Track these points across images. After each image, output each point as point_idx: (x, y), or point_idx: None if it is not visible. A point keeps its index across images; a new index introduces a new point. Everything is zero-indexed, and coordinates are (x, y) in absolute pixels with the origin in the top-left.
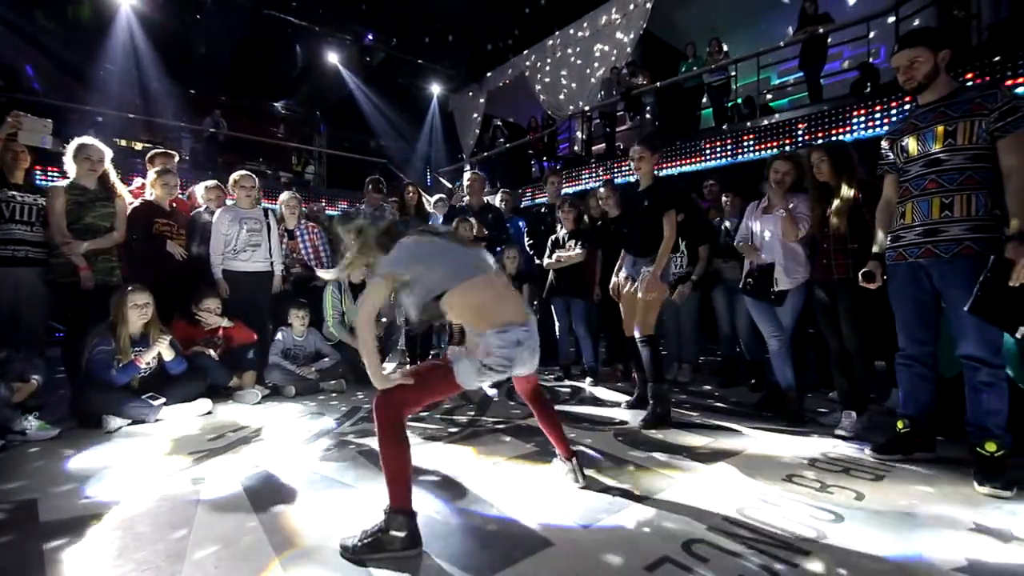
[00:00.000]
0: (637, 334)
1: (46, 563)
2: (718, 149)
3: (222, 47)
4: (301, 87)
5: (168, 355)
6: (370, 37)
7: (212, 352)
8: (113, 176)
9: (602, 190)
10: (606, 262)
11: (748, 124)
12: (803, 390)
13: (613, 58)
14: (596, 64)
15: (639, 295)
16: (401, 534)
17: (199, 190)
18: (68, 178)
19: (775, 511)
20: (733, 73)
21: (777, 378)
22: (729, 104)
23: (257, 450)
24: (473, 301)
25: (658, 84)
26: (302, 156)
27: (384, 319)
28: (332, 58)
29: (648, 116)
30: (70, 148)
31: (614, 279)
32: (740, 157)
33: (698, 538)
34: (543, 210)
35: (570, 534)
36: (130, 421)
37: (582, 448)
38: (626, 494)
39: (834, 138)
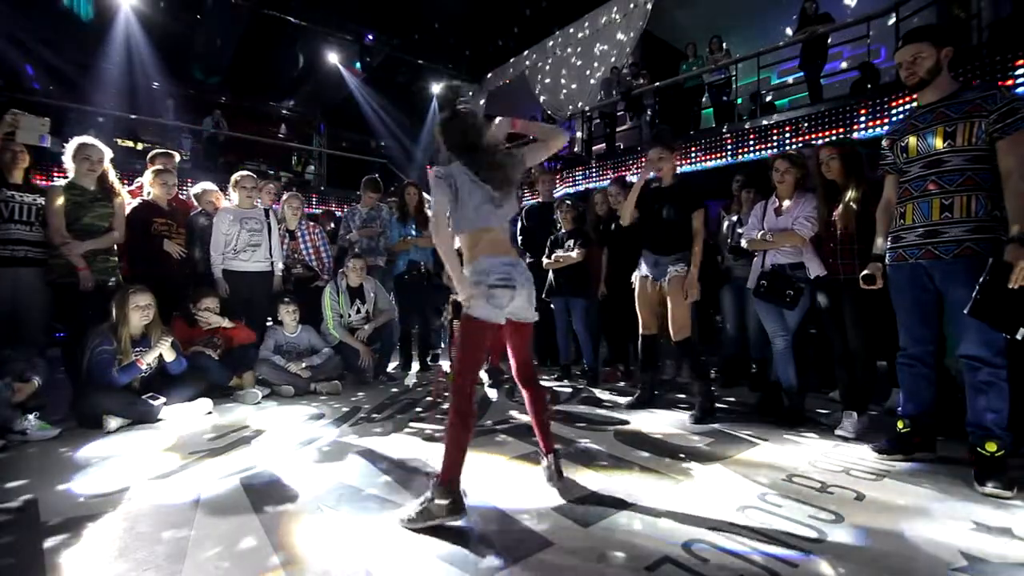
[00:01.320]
0: (675, 336)
1: (46, 563)
2: (728, 147)
3: (222, 47)
4: (301, 87)
5: (169, 356)
6: (370, 37)
7: (212, 352)
8: (112, 176)
9: (612, 188)
10: (612, 261)
11: (763, 122)
12: (804, 390)
13: (613, 58)
14: (596, 64)
15: (686, 298)
16: (446, 501)
17: (194, 192)
18: (67, 177)
19: (775, 511)
20: (733, 73)
21: (779, 378)
22: (735, 101)
23: (257, 450)
24: (475, 241)
25: (657, 84)
26: (302, 156)
27: (383, 317)
28: (332, 58)
29: (648, 116)
30: (69, 148)
31: (634, 277)
32: (744, 157)
33: (698, 538)
34: (533, 207)
35: (570, 534)
36: (130, 421)
37: (585, 446)
38: (626, 494)
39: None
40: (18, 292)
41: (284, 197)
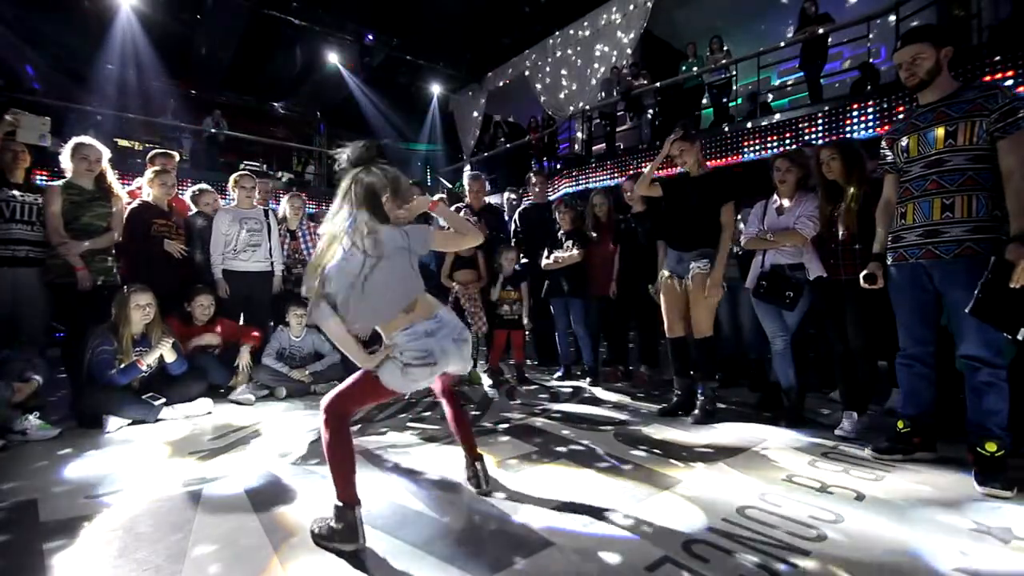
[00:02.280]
0: (697, 335)
1: (46, 563)
2: (721, 149)
3: (222, 47)
4: (301, 87)
5: (170, 357)
6: (370, 37)
7: (212, 339)
8: (110, 176)
9: (626, 183)
10: (625, 259)
11: (763, 123)
12: (803, 390)
13: (613, 58)
14: (596, 64)
15: (707, 297)
16: (339, 526)
17: (190, 194)
18: (65, 177)
19: (775, 511)
20: (734, 73)
21: (779, 378)
22: (732, 104)
23: (257, 450)
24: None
25: (658, 84)
26: (302, 156)
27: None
28: (332, 58)
29: (649, 116)
30: (67, 147)
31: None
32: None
33: (698, 538)
34: (528, 208)
35: (570, 534)
36: (130, 421)
37: (585, 446)
38: (626, 494)
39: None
40: (19, 292)
41: (286, 197)
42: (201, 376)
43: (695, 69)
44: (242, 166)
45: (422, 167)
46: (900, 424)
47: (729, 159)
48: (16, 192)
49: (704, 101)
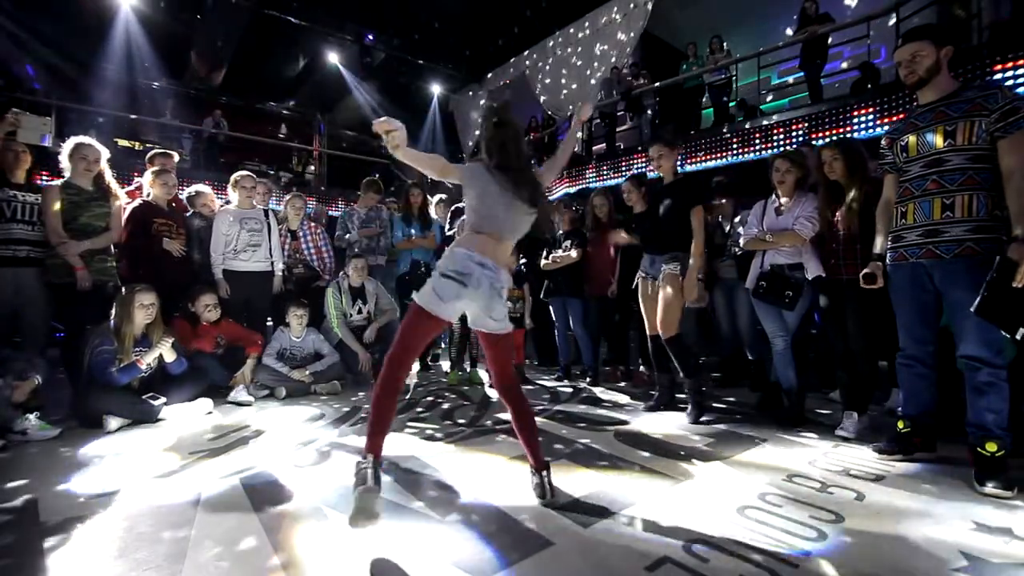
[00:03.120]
0: (662, 335)
1: (47, 562)
2: (719, 149)
3: (223, 47)
4: (301, 87)
5: (169, 356)
6: (370, 37)
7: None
8: (109, 176)
9: (625, 184)
10: (626, 259)
11: (763, 123)
12: (804, 390)
13: (613, 58)
14: (596, 64)
15: (687, 300)
16: (355, 472)
17: (187, 194)
18: (64, 177)
19: (775, 511)
20: (733, 74)
21: (779, 378)
22: (731, 104)
23: (257, 450)
24: (468, 236)
25: (657, 84)
26: (302, 156)
27: (385, 317)
28: (332, 58)
29: (649, 115)
30: (66, 147)
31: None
32: (736, 158)
33: (698, 538)
34: None
35: (570, 534)
36: (131, 421)
37: (585, 446)
38: (626, 494)
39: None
40: (20, 292)
41: (286, 197)
42: (201, 376)
43: (695, 69)
44: (241, 167)
45: None
46: (900, 424)
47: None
48: (17, 192)
49: (704, 100)
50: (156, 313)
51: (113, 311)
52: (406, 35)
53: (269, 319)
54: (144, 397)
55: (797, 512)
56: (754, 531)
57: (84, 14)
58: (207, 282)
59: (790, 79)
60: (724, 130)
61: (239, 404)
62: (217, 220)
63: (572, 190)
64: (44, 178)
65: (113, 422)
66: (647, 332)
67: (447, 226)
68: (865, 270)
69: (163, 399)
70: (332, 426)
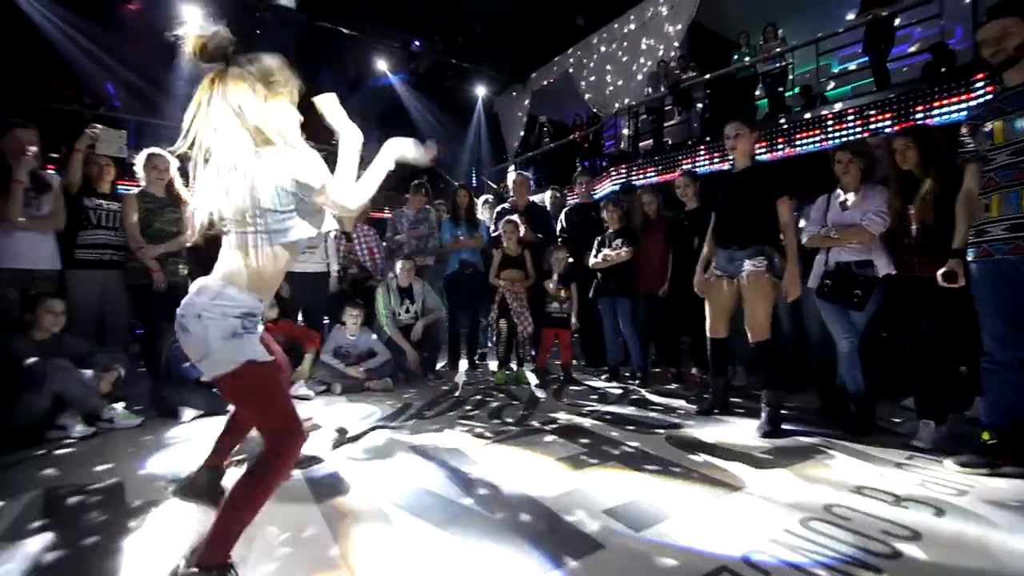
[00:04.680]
0: (752, 339)
1: (133, 541)
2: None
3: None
4: (351, 94)
5: None
6: (417, 44)
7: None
8: (179, 183)
9: (680, 180)
10: (677, 258)
11: (823, 112)
12: (872, 396)
13: (660, 52)
14: (642, 59)
15: (786, 297)
16: None
17: None
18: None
19: (843, 524)
20: (790, 61)
21: (845, 382)
22: (788, 94)
23: (317, 442)
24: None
25: (707, 76)
26: None
27: (432, 316)
28: (381, 66)
29: (699, 108)
30: (139, 159)
31: (699, 276)
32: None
33: (758, 549)
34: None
35: (621, 538)
36: (203, 412)
37: (634, 449)
38: (679, 500)
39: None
40: (105, 293)
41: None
42: None
43: (747, 59)
44: None
45: (469, 168)
46: (985, 435)
47: (786, 151)
48: (102, 201)
49: (757, 92)
50: None
51: None
52: (450, 38)
53: (325, 318)
54: (215, 390)
55: (867, 526)
56: (819, 544)
57: (158, 36)
58: None
59: (851, 65)
60: (780, 120)
61: (299, 399)
62: None
63: (618, 187)
64: (122, 186)
65: (188, 413)
66: (708, 333)
67: (491, 227)
68: (944, 268)
69: None
70: (386, 421)
